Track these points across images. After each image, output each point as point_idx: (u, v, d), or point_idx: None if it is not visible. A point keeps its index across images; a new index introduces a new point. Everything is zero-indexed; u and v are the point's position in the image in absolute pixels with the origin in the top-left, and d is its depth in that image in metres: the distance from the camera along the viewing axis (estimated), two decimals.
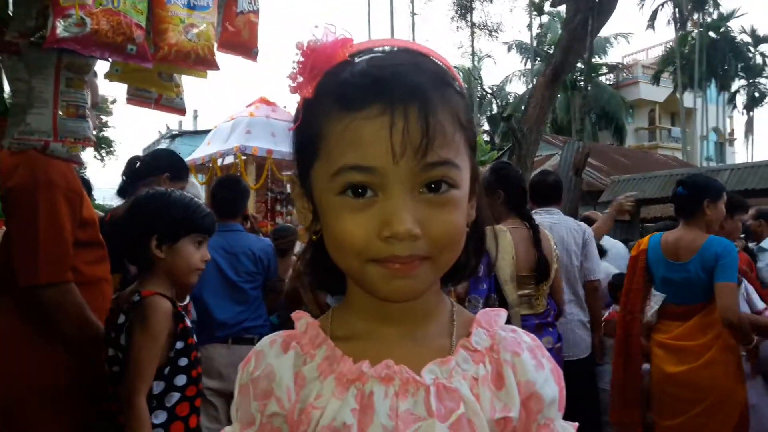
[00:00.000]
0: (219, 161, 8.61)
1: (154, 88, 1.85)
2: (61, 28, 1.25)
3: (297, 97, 0.67)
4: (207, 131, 12.36)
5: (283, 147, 8.61)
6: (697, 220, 3.01)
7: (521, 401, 0.68)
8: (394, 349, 0.69)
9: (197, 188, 3.80)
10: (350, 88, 0.61)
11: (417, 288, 0.65)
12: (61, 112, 1.39)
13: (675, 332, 3.01)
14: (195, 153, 9.19)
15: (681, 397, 2.94)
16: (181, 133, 17.72)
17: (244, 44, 1.81)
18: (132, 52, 1.36)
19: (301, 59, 0.65)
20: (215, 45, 1.66)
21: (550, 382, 0.71)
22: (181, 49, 1.54)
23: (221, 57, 1.71)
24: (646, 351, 3.15)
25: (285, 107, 9.23)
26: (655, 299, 3.09)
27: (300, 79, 0.65)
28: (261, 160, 8.33)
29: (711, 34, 30.92)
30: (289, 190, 10.01)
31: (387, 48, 0.67)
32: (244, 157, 8.25)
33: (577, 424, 0.71)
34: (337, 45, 0.64)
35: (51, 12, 1.29)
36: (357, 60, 0.64)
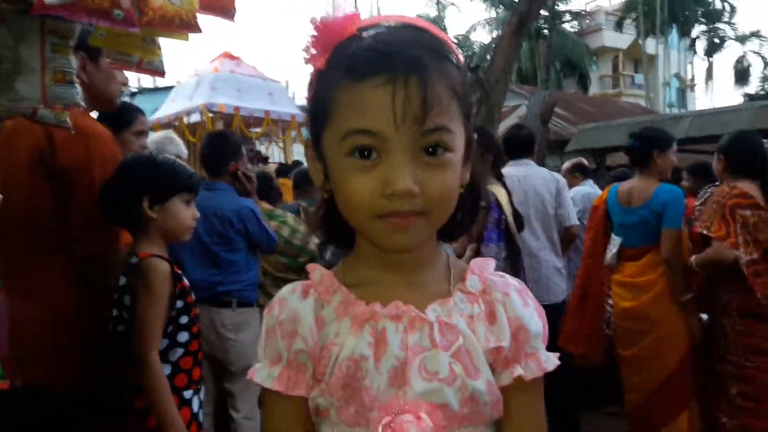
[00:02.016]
0: (185, 119, 8.49)
1: (138, 52, 1.86)
2: None
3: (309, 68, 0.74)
4: (167, 88, 12.08)
5: (250, 103, 8.52)
6: (649, 169, 3.25)
7: (511, 334, 0.78)
8: (400, 293, 0.78)
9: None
10: (358, 60, 0.69)
11: (413, 241, 0.74)
12: (48, 79, 1.41)
13: (629, 271, 3.28)
14: (159, 111, 9.02)
15: (635, 329, 3.20)
16: (141, 90, 17.24)
17: (222, 6, 1.83)
18: (119, 18, 1.37)
19: (315, 33, 0.72)
20: (197, 8, 1.68)
21: (535, 318, 0.81)
22: (166, 13, 1.55)
23: (200, 18, 1.73)
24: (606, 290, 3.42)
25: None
26: (614, 242, 3.34)
27: (313, 51, 0.72)
28: (228, 117, 8.24)
29: None
30: (258, 146, 9.96)
31: (392, 23, 0.74)
32: (211, 115, 8.14)
33: (558, 354, 0.82)
34: (347, 20, 0.71)
35: None
36: (364, 34, 0.71)
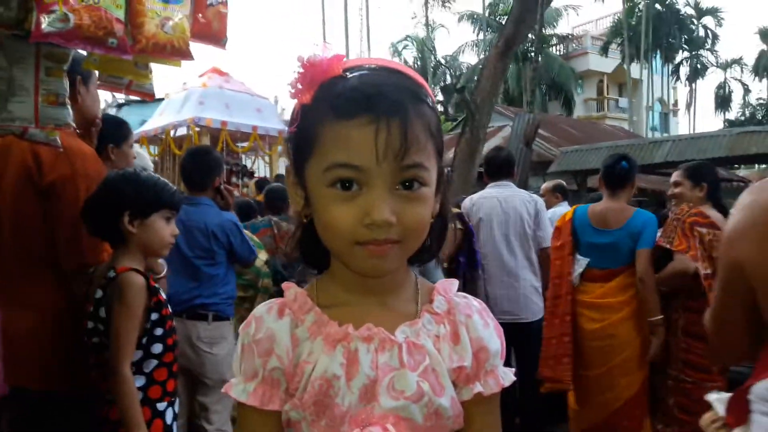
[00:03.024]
0: (172, 132, 8.50)
1: (129, 76, 1.93)
2: (45, 23, 1.32)
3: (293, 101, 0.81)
4: (155, 101, 12.10)
5: (238, 118, 8.56)
6: (625, 192, 3.37)
7: (473, 353, 0.85)
8: (371, 314, 0.83)
9: (145, 159, 3.64)
10: (343, 100, 0.75)
11: (389, 266, 0.80)
12: (41, 100, 1.46)
13: (599, 292, 3.32)
14: (147, 124, 9.04)
15: (602, 350, 3.26)
16: (128, 102, 17.19)
17: (214, 35, 1.90)
18: (113, 45, 1.44)
19: (301, 70, 0.78)
20: (189, 36, 1.75)
21: (494, 338, 0.87)
22: (158, 41, 1.62)
23: (192, 46, 1.80)
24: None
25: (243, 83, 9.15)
26: (579, 263, 3.40)
27: (299, 86, 0.79)
28: (215, 131, 8.27)
29: (657, 6, 31.64)
30: (244, 161, 9.99)
31: (374, 66, 0.80)
32: (197, 129, 8.17)
33: (514, 369, 0.89)
34: (333, 61, 0.77)
35: (34, 7, 1.35)
36: (349, 75, 0.77)
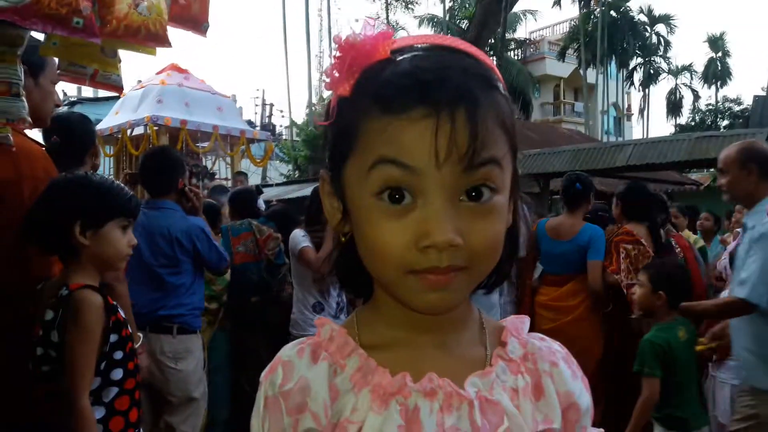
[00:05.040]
0: (128, 132, 8.16)
1: (95, 65, 1.69)
2: None
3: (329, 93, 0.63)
4: (110, 98, 11.61)
5: (198, 117, 8.25)
6: (579, 209, 3.90)
7: (561, 411, 0.68)
8: (428, 359, 0.66)
9: None
10: (392, 89, 0.58)
11: (452, 301, 0.63)
12: None
13: (552, 295, 3.86)
14: (102, 123, 8.65)
15: None
16: (81, 100, 16.60)
17: (194, 18, 1.69)
18: (78, 26, 1.22)
19: (339, 54, 0.61)
20: (166, 20, 1.54)
21: (584, 391, 0.71)
22: (131, 23, 1.40)
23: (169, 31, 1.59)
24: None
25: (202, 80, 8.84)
26: (537, 270, 3.96)
27: (336, 74, 0.61)
28: (174, 131, 7.95)
29: (612, 13, 32.34)
30: (204, 162, 9.66)
31: (428, 45, 0.63)
32: (156, 128, 7.84)
33: (602, 430, 0.72)
34: (378, 40, 0.60)
35: None
36: (399, 58, 0.60)
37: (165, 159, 3.25)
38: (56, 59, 1.68)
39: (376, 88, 0.59)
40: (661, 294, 2.74)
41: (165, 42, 1.57)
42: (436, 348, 0.67)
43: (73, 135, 2.30)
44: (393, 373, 0.64)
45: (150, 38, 1.50)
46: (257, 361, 3.82)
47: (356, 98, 0.61)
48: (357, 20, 0.62)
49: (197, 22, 1.72)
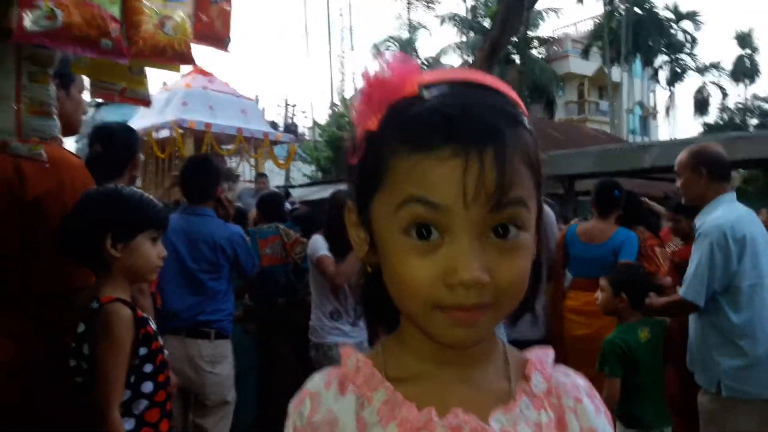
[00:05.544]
0: (154, 135, 8.28)
1: (123, 83, 1.73)
2: (29, 20, 1.12)
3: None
4: None
5: (222, 120, 8.35)
6: (612, 214, 3.93)
7: None
8: (454, 393, 0.67)
9: None
10: (420, 126, 0.58)
11: (479, 336, 0.64)
12: (24, 109, 1.28)
13: (584, 299, 3.74)
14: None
15: (590, 351, 3.42)
16: (107, 102, 16.80)
17: (217, 35, 1.71)
18: (107, 48, 1.25)
19: (366, 89, 0.61)
20: (191, 38, 1.56)
21: (608, 427, 0.71)
22: (157, 43, 1.42)
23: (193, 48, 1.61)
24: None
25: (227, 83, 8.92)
26: (566, 277, 4.02)
27: (364, 109, 0.62)
28: (199, 134, 8.06)
29: (636, 9, 31.88)
30: (228, 164, 9.75)
31: (457, 80, 0.63)
32: (181, 131, 7.96)
33: None
34: (405, 76, 0.61)
35: (15, 2, 1.16)
36: (426, 94, 0.61)
37: (207, 168, 3.37)
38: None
39: (404, 125, 0.59)
40: (623, 297, 2.88)
41: (189, 60, 1.60)
42: (461, 382, 0.68)
43: (114, 146, 2.34)
44: (419, 407, 0.65)
45: (175, 58, 1.52)
46: (284, 364, 3.87)
47: (384, 134, 0.61)
48: (387, 47, 0.61)
49: (220, 39, 1.75)
